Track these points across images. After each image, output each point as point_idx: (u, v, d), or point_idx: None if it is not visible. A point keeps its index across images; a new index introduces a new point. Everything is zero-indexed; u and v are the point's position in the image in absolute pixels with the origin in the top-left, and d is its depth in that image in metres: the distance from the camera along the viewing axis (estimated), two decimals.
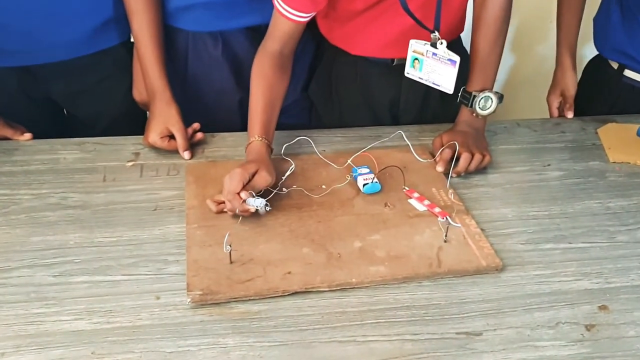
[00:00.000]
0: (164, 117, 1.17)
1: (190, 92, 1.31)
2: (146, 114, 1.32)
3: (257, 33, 1.23)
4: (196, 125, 1.21)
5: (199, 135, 1.20)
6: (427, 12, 1.13)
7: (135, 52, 1.25)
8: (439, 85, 1.15)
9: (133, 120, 1.34)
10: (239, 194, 0.94)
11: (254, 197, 0.95)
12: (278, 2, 1.09)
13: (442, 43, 1.10)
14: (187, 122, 1.19)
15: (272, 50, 1.13)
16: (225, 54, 1.27)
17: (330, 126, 1.31)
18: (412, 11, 1.12)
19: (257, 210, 0.94)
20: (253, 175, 0.97)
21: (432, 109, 1.35)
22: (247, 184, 0.96)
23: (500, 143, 1.24)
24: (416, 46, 1.15)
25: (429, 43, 1.13)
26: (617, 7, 1.34)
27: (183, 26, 1.25)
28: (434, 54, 1.12)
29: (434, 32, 1.11)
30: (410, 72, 1.19)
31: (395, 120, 1.38)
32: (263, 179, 0.98)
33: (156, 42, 1.19)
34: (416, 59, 1.16)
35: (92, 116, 1.33)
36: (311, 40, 1.34)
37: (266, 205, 0.95)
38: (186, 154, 1.14)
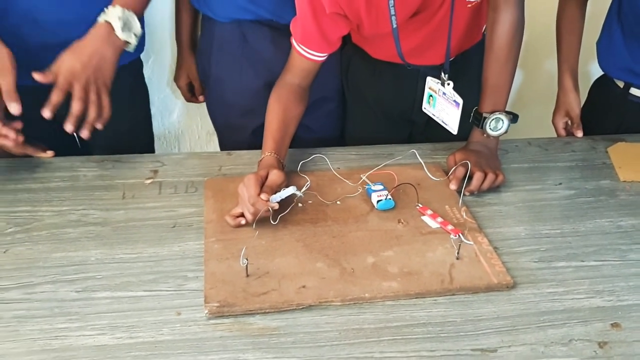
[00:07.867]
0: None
1: (213, 91, 1.39)
2: (149, 132, 1.49)
3: (279, 32, 1.28)
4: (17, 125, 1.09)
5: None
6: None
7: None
8: (447, 125, 1.19)
9: (135, 139, 1.36)
10: (259, 195, 0.97)
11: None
12: (296, 41, 1.13)
13: (449, 84, 1.14)
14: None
15: (290, 83, 1.19)
16: (248, 53, 1.33)
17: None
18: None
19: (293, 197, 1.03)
20: (265, 178, 1.01)
21: None
22: (262, 186, 0.99)
23: (512, 162, 1.26)
24: (431, 83, 1.19)
25: (440, 82, 1.16)
26: (618, 26, 1.35)
27: (211, 13, 1.34)
28: (443, 93, 1.16)
29: (442, 73, 1.14)
30: (426, 107, 1.23)
31: (406, 124, 1.41)
32: (276, 176, 1.02)
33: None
34: (431, 95, 1.19)
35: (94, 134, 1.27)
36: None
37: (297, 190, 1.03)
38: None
